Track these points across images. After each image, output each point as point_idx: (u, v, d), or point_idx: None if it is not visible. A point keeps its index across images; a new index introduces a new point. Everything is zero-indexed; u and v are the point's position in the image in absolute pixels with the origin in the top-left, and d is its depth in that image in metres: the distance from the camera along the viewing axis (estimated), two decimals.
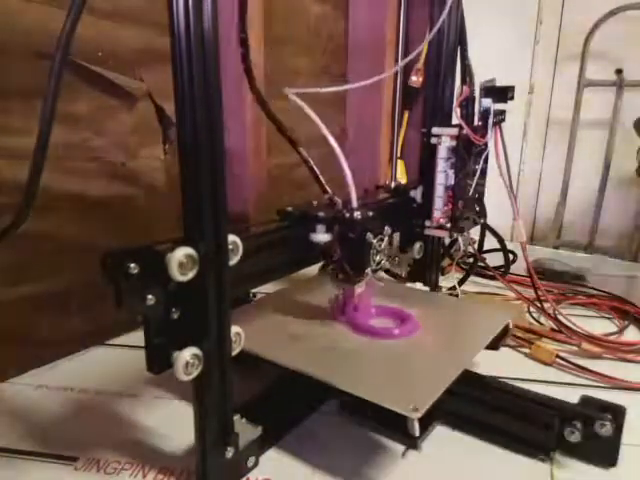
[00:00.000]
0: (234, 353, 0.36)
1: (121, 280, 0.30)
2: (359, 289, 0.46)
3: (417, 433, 0.38)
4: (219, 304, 0.33)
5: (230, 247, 0.34)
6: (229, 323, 0.35)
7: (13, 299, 0.57)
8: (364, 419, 0.44)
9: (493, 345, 0.48)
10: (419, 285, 0.63)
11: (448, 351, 0.45)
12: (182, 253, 0.30)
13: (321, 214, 0.44)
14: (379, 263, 0.44)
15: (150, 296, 0.31)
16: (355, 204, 0.43)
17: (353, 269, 0.43)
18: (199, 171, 0.31)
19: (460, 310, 0.55)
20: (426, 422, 0.42)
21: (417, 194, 0.58)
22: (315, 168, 0.45)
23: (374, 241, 0.42)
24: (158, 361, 0.33)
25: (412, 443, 0.39)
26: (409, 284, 0.62)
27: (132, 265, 0.30)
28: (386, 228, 0.44)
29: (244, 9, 0.41)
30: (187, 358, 0.32)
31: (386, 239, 0.44)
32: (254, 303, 0.57)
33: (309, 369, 0.40)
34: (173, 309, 0.33)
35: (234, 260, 0.34)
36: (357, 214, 0.42)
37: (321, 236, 0.44)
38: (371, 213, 0.43)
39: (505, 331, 0.49)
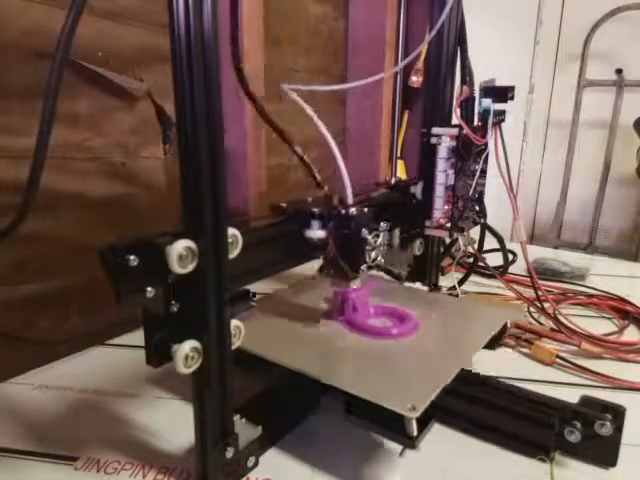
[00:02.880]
0: (234, 347, 0.36)
1: (120, 272, 0.30)
2: (354, 285, 0.46)
3: (415, 432, 0.38)
4: (219, 297, 0.33)
5: (230, 240, 0.34)
6: (229, 316, 0.35)
7: (13, 299, 0.57)
8: (368, 422, 0.43)
9: (491, 345, 0.48)
10: (418, 285, 0.63)
11: (446, 350, 0.45)
12: (182, 246, 0.30)
13: (316, 210, 0.43)
14: (374, 259, 0.44)
15: (150, 289, 0.31)
16: (350, 200, 0.43)
17: (348, 265, 0.43)
18: (199, 163, 0.31)
19: (459, 310, 0.55)
20: (424, 421, 0.42)
21: (417, 190, 0.58)
22: (310, 164, 0.45)
23: (369, 237, 0.43)
24: (157, 354, 0.33)
25: (410, 443, 0.39)
26: (408, 284, 0.62)
27: (132, 257, 0.30)
28: (382, 224, 0.44)
29: (236, 14, 0.41)
30: (187, 351, 0.32)
31: (382, 235, 0.44)
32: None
33: (307, 368, 0.40)
34: (173, 302, 0.32)
35: (234, 253, 0.34)
36: (352, 210, 0.42)
37: (316, 232, 0.43)
38: (366, 209, 0.43)
39: (503, 331, 0.49)
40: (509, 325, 0.50)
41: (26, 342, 0.54)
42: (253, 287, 0.52)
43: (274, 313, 0.51)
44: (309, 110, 0.42)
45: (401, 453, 0.41)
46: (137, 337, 0.47)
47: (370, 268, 0.44)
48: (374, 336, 0.46)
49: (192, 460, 0.37)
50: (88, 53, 0.60)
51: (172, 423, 0.45)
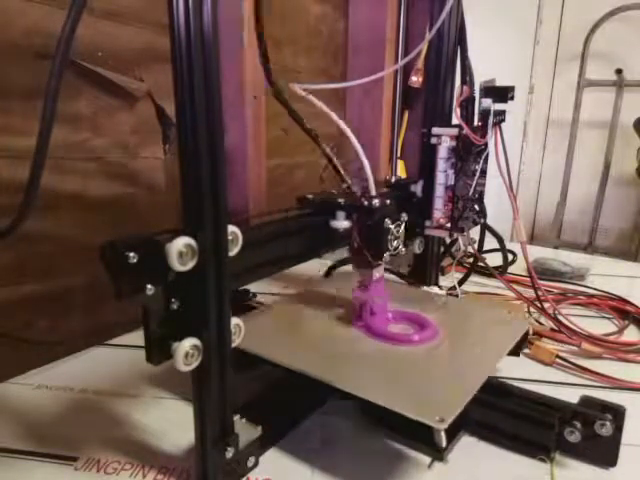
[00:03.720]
0: (234, 345, 0.36)
1: (120, 270, 0.30)
2: (377, 274, 0.47)
3: (444, 444, 0.37)
4: (219, 295, 0.33)
5: (230, 238, 0.34)
6: (229, 314, 0.35)
7: (13, 299, 0.57)
8: (389, 430, 0.43)
9: (514, 351, 0.47)
10: (435, 289, 0.62)
11: (470, 358, 0.44)
12: (182, 243, 0.30)
13: (341, 201, 0.45)
14: (396, 248, 0.46)
15: (149, 286, 0.31)
16: (374, 192, 0.45)
17: (372, 254, 0.45)
18: (199, 163, 0.31)
19: (479, 315, 0.54)
20: (452, 432, 0.40)
21: (417, 188, 0.58)
22: (335, 159, 0.47)
23: (392, 227, 0.45)
24: (157, 352, 0.33)
25: (438, 455, 0.39)
26: (425, 288, 0.61)
27: (131, 254, 0.30)
28: (403, 215, 0.46)
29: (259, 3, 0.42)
30: (186, 349, 0.32)
31: (403, 225, 0.46)
32: (264, 308, 0.55)
33: (329, 377, 0.39)
34: (173, 299, 0.32)
35: (234, 251, 0.34)
36: (375, 201, 0.44)
37: (341, 222, 0.45)
38: (388, 201, 0.45)
39: (525, 336, 0.49)
40: (530, 332, 0.50)
41: (26, 342, 0.54)
42: (253, 286, 0.52)
43: (289, 318, 0.51)
44: (325, 108, 0.44)
45: (430, 465, 0.40)
46: (137, 337, 0.47)
47: (392, 256, 0.46)
48: (395, 342, 0.45)
49: (192, 460, 0.37)
50: (88, 53, 0.60)
51: (172, 423, 0.45)
